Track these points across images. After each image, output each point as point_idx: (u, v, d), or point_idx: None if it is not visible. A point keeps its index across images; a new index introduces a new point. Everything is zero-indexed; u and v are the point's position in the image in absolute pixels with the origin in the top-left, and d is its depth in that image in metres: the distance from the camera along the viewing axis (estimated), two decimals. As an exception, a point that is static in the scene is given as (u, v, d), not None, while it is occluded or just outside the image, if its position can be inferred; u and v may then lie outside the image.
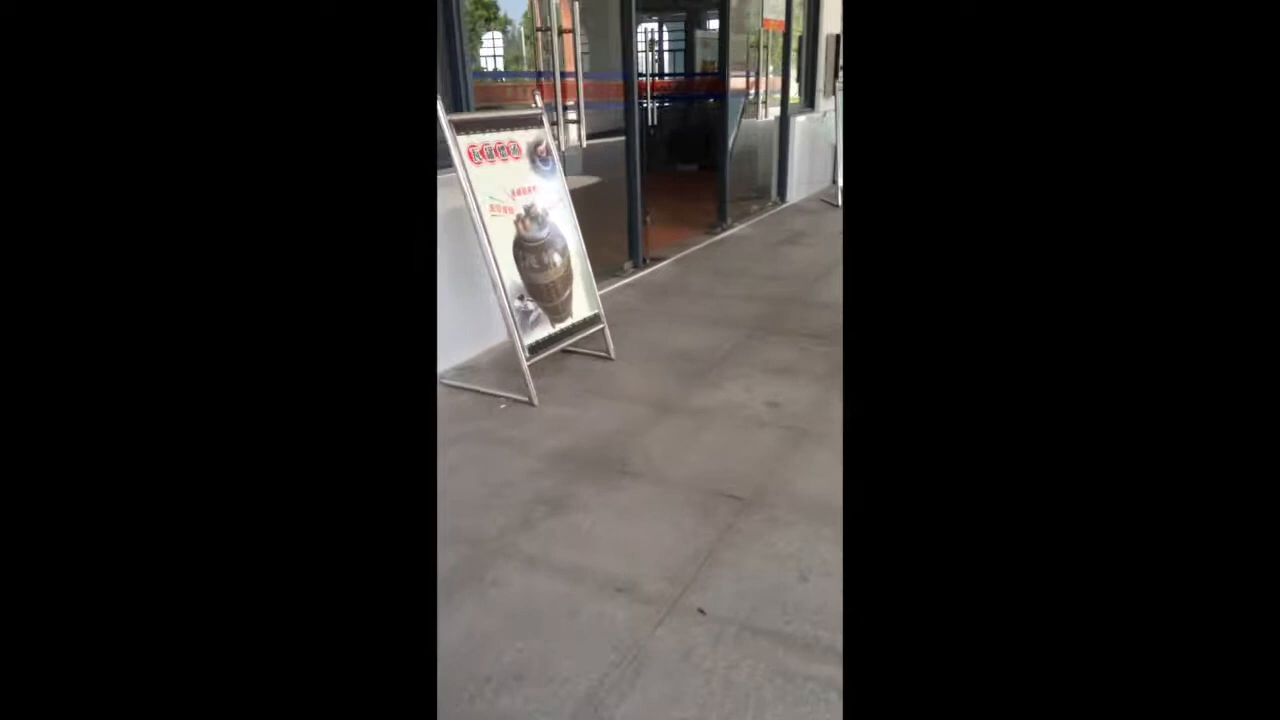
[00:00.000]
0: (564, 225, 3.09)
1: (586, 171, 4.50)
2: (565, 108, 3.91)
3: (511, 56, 3.87)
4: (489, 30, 3.66)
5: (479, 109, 3.30)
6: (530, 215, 2.90)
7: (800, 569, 1.84)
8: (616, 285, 4.43)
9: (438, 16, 3.05)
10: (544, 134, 3.04)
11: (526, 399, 2.80)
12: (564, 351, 3.18)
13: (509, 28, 3.84)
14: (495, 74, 3.71)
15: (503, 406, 2.80)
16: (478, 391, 2.92)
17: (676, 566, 1.86)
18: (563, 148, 3.89)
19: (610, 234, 4.69)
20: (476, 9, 3.64)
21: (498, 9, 3.65)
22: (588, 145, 4.40)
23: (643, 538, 1.98)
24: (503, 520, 2.06)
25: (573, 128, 3.98)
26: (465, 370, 3.15)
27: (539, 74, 3.87)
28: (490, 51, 3.77)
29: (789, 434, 2.54)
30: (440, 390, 2.96)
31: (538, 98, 3.06)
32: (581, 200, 4.34)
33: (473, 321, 3.15)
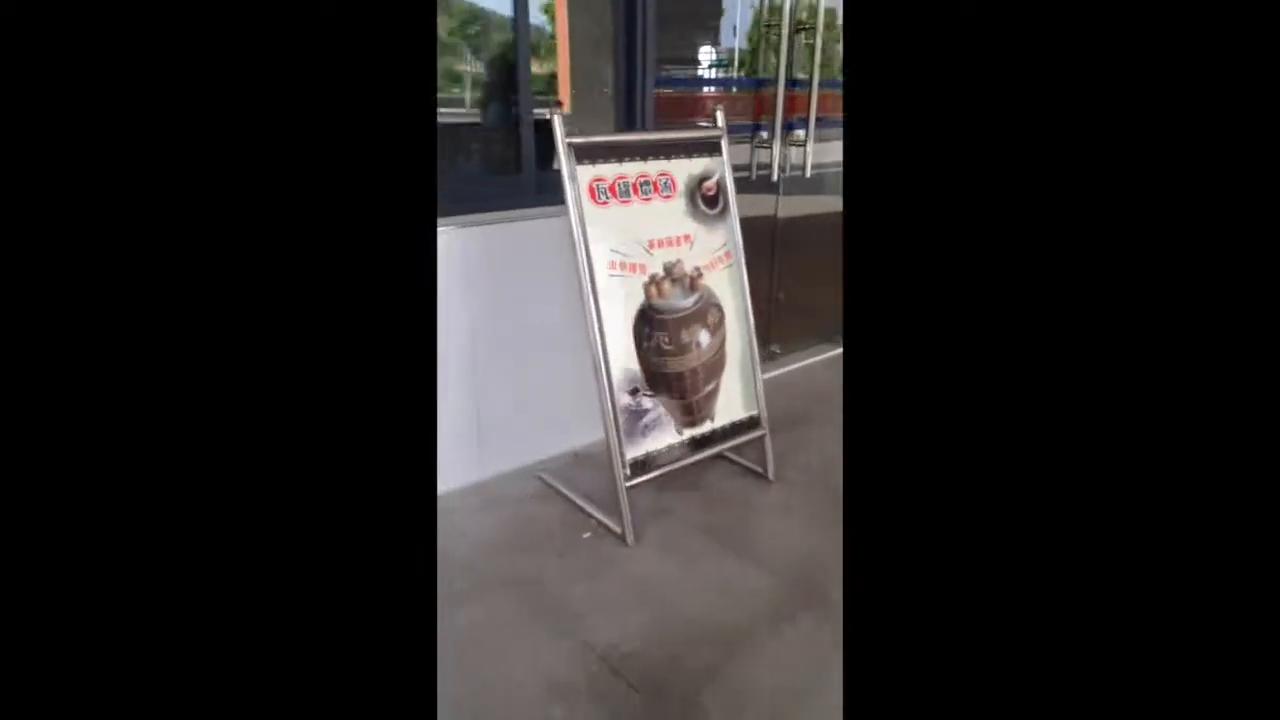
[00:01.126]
0: (725, 293, 2.24)
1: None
2: (789, 125, 3.04)
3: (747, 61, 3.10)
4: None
5: (662, 128, 2.56)
6: (671, 276, 2.10)
7: None
8: (822, 358, 3.44)
9: (636, 15, 2.36)
10: (717, 165, 2.21)
11: (620, 532, 2.02)
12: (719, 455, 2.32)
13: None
14: (695, 82, 2.94)
15: (587, 536, 2.05)
16: (572, 502, 2.20)
17: None
18: (774, 176, 3.02)
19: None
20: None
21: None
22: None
23: None
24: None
25: (795, 150, 3.10)
26: (580, 460, 2.45)
27: (758, 81, 3.03)
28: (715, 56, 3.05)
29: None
30: (531, 489, 2.29)
31: (719, 115, 2.23)
32: (826, 229, 3.41)
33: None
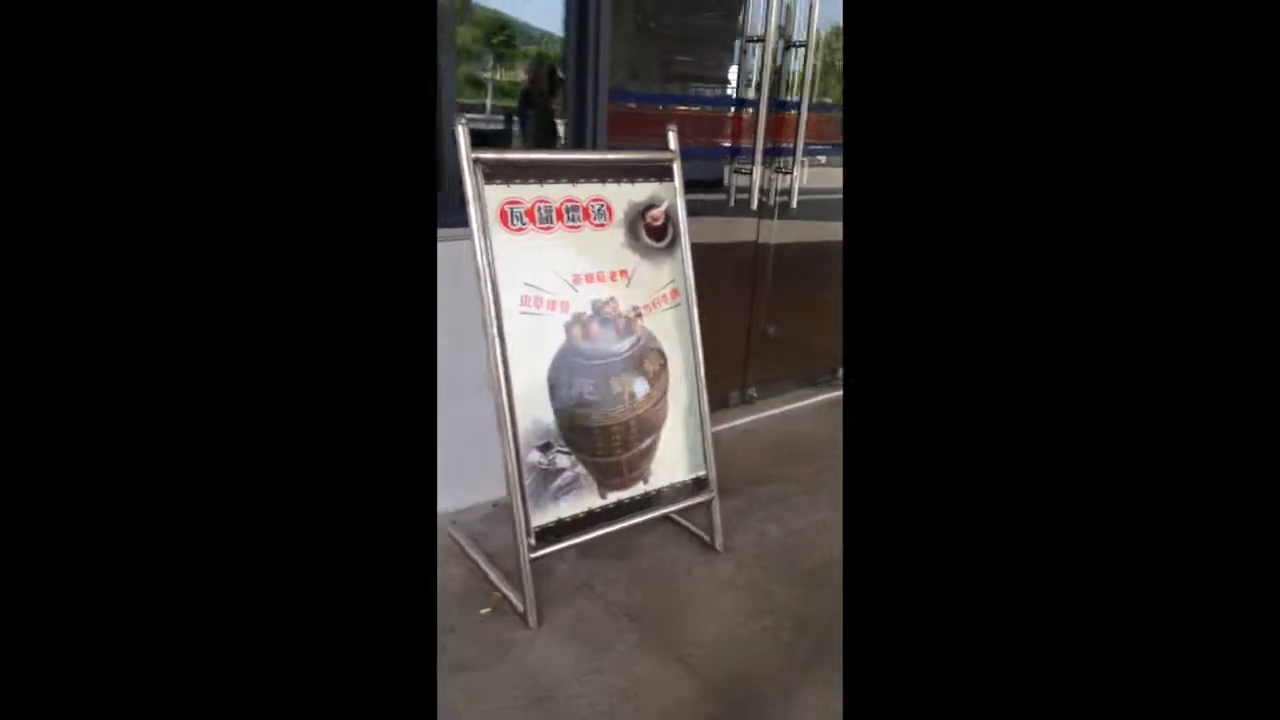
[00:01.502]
0: (670, 336, 1.96)
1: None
2: (772, 150, 2.77)
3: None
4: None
5: (616, 148, 2.30)
6: (600, 316, 1.82)
7: None
8: (804, 404, 3.14)
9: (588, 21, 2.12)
10: (668, 192, 1.94)
11: (522, 610, 1.74)
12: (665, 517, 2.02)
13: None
14: (660, 98, 2.68)
15: (484, 613, 1.77)
16: (476, 567, 1.92)
17: None
18: (752, 202, 2.74)
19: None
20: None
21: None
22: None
23: None
24: None
25: (785, 177, 2.82)
26: (499, 513, 2.17)
27: (738, 102, 2.77)
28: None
29: None
30: (439, 544, 2.01)
31: (672, 136, 1.96)
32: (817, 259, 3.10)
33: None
